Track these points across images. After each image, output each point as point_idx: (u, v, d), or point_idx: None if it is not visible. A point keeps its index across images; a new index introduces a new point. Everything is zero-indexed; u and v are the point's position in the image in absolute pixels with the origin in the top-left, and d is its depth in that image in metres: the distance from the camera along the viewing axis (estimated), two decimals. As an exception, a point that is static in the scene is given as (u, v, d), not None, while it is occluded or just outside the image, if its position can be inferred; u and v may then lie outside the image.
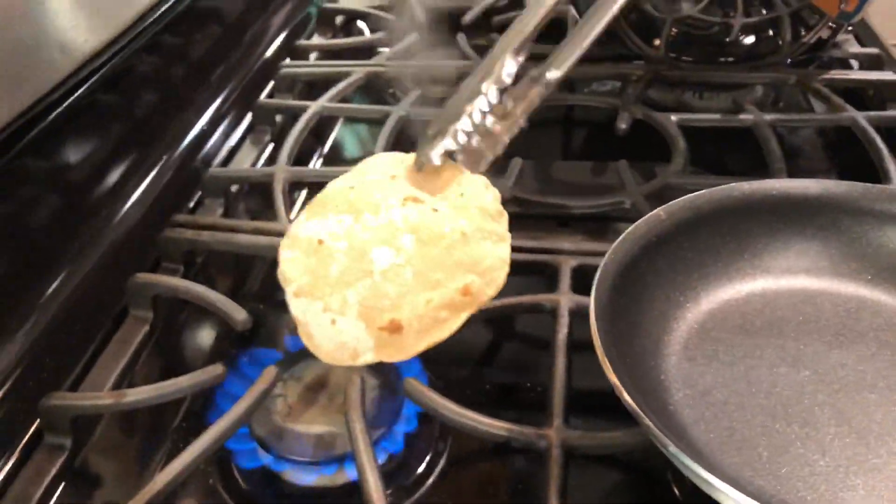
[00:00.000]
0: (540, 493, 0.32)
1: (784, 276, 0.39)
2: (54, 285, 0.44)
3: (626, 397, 0.29)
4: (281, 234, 0.46)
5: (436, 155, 0.36)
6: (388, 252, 0.37)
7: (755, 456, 0.31)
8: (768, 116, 0.54)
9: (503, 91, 0.38)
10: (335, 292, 0.36)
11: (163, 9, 0.57)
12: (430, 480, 0.38)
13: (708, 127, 0.55)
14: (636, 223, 0.38)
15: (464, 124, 0.36)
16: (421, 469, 0.39)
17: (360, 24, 0.78)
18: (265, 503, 0.38)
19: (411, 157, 0.41)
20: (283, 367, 0.40)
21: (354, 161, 0.59)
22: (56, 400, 0.37)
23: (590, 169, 0.57)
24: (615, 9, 0.38)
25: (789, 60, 0.61)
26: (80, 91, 0.48)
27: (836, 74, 0.60)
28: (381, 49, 0.70)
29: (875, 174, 0.49)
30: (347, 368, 0.38)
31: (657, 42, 0.61)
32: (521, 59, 0.38)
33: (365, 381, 0.39)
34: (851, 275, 0.39)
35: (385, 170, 0.41)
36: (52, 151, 0.47)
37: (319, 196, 0.41)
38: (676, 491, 0.35)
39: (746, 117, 0.55)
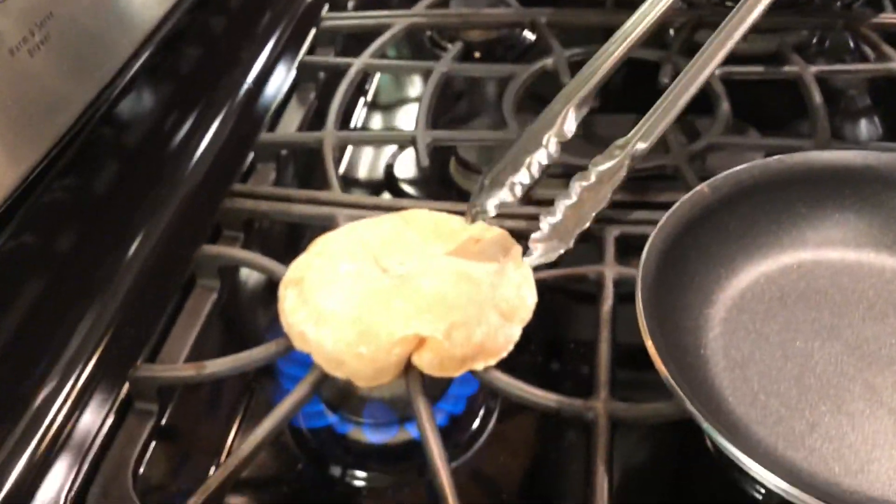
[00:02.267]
0: (587, 457, 0.35)
1: (821, 248, 0.41)
2: (128, 256, 0.47)
3: (668, 378, 0.32)
4: (333, 204, 0.48)
5: (491, 206, 0.36)
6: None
7: (788, 429, 0.34)
8: (813, 68, 0.54)
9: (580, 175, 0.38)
10: None
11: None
12: (483, 437, 0.42)
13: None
14: (681, 199, 0.39)
15: (521, 177, 0.37)
16: (475, 426, 0.42)
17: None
18: (331, 458, 0.42)
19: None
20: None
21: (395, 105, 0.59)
22: (143, 371, 0.40)
23: (631, 123, 0.58)
24: (706, 74, 0.38)
25: (839, 2, 0.60)
26: (135, 61, 0.50)
27: (887, 18, 0.59)
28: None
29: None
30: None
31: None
32: (584, 111, 0.38)
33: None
34: (890, 247, 0.40)
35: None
36: (111, 121, 0.50)
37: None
38: (715, 454, 0.38)
39: (791, 69, 0.55)
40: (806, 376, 0.36)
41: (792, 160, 0.41)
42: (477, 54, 0.67)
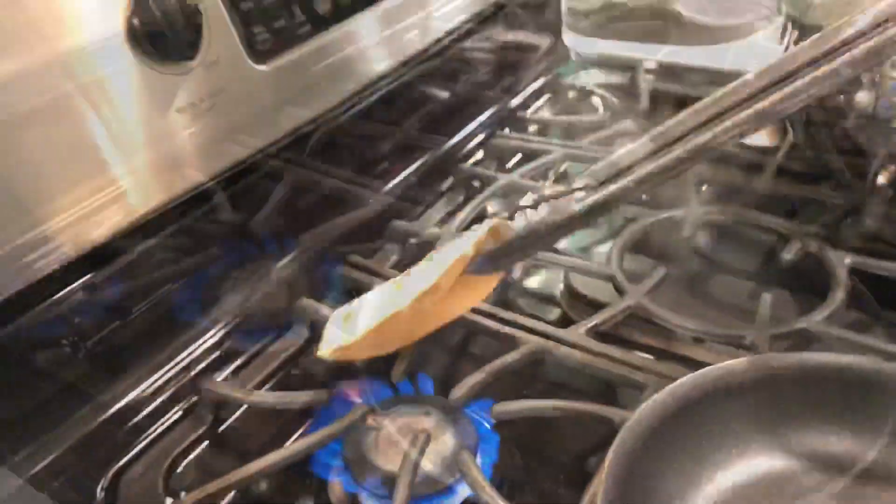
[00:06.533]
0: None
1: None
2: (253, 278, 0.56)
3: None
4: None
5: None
6: None
7: None
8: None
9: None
10: None
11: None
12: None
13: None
14: (710, 367, 0.39)
15: None
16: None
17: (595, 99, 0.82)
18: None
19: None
20: (377, 408, 0.46)
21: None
22: (206, 384, 0.47)
23: (748, 291, 0.56)
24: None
25: None
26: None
27: None
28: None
29: None
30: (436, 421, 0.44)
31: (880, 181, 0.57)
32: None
33: (437, 439, 0.44)
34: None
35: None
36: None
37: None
38: None
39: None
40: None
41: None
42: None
